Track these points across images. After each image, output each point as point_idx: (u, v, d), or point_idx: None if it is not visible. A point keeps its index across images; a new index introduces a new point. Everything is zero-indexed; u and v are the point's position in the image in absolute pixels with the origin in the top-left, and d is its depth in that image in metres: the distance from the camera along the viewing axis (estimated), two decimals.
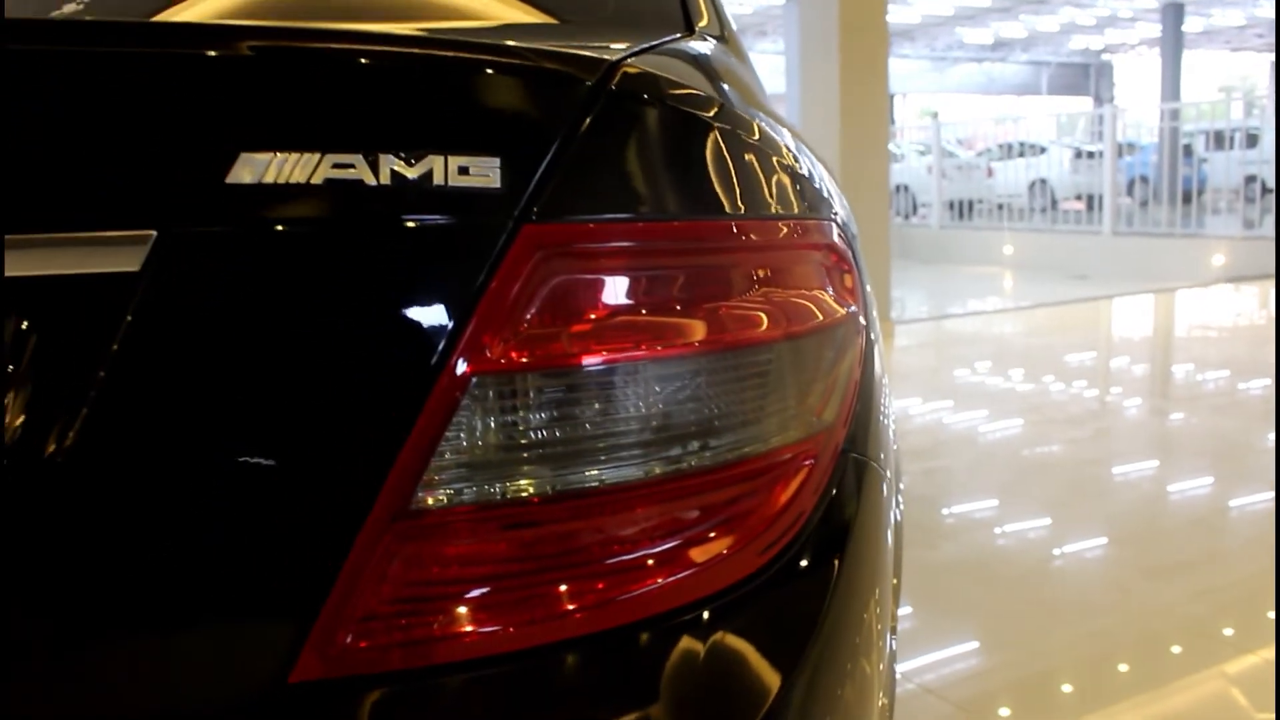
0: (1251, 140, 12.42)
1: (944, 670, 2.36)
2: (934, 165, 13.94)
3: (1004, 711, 2.21)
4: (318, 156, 0.61)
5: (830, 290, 0.79)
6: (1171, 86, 26.65)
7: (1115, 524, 3.35)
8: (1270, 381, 5.22)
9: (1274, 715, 2.07)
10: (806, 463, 0.76)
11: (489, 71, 0.68)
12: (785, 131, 0.89)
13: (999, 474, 3.95)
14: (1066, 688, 2.30)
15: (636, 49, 0.75)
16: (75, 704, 0.61)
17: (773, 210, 0.75)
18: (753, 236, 0.73)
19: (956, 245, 13.09)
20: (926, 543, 3.16)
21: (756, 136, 0.77)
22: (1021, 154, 15.64)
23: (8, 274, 0.59)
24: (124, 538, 0.61)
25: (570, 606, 0.66)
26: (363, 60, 0.66)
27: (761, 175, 0.75)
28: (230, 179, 0.60)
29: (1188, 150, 12.37)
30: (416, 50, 0.69)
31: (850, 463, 0.80)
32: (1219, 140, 12.99)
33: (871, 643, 0.80)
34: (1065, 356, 6.45)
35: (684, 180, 0.70)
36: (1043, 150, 16.01)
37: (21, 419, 0.60)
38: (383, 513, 0.63)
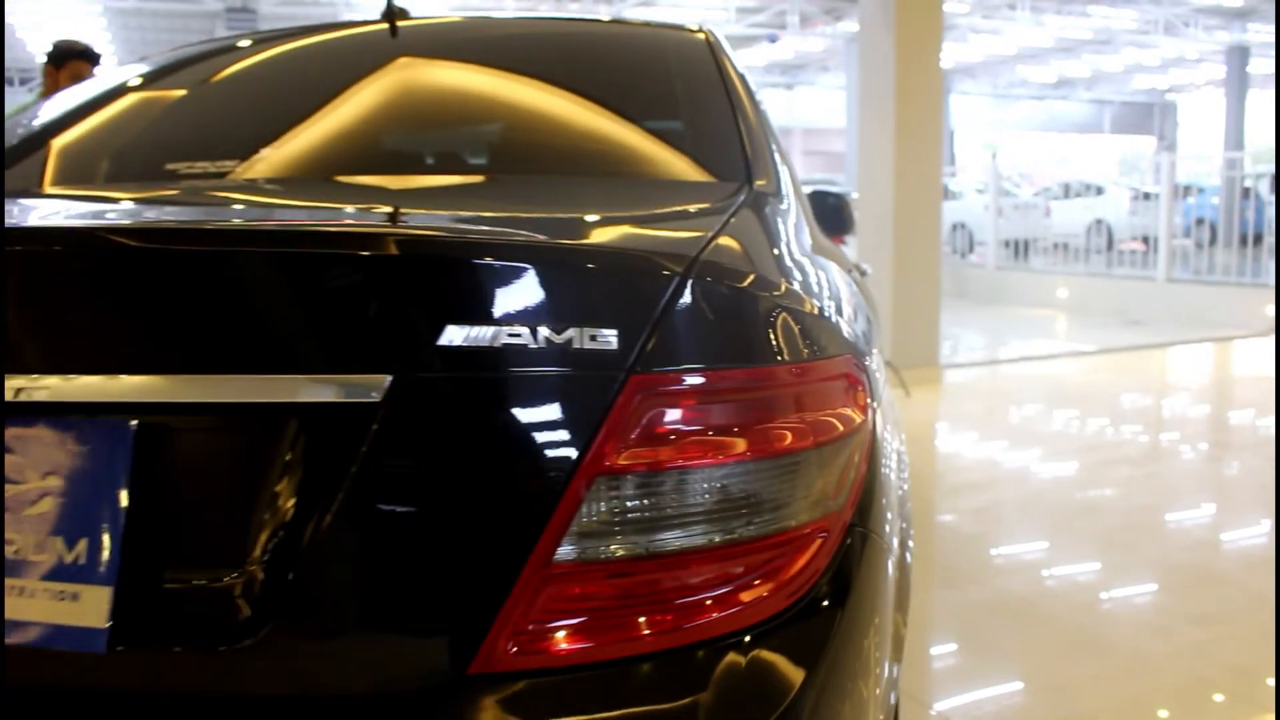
0: None
1: (985, 709, 2.47)
2: (990, 204, 13.98)
3: None
4: (495, 328, 0.92)
5: (846, 407, 1.07)
6: (1236, 128, 26.39)
7: (1164, 570, 3.43)
8: None
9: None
10: (822, 535, 1.04)
11: (608, 268, 1.00)
12: (826, 275, 1.23)
13: (1049, 516, 4.04)
14: None
15: (712, 233, 1.08)
16: (344, 674, 0.94)
17: (804, 355, 1.04)
18: (790, 375, 1.02)
19: (1012, 286, 13.09)
20: (973, 580, 3.27)
21: (798, 298, 1.08)
22: (1079, 194, 15.64)
23: (301, 400, 0.93)
24: (374, 577, 0.94)
25: (652, 631, 0.96)
26: (527, 263, 0.97)
27: (797, 330, 1.05)
28: (440, 342, 0.92)
29: (1247, 194, 12.29)
30: (560, 255, 1.01)
31: (855, 534, 1.09)
32: None
33: (869, 667, 1.08)
34: (1118, 401, 6.51)
35: (740, 338, 1.01)
36: (1100, 191, 16.00)
37: (300, 493, 0.94)
38: (535, 565, 0.94)
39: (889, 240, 6.84)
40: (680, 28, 2.07)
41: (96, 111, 1.91)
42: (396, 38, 2.00)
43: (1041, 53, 28.66)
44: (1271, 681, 2.58)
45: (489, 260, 0.96)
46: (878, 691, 1.10)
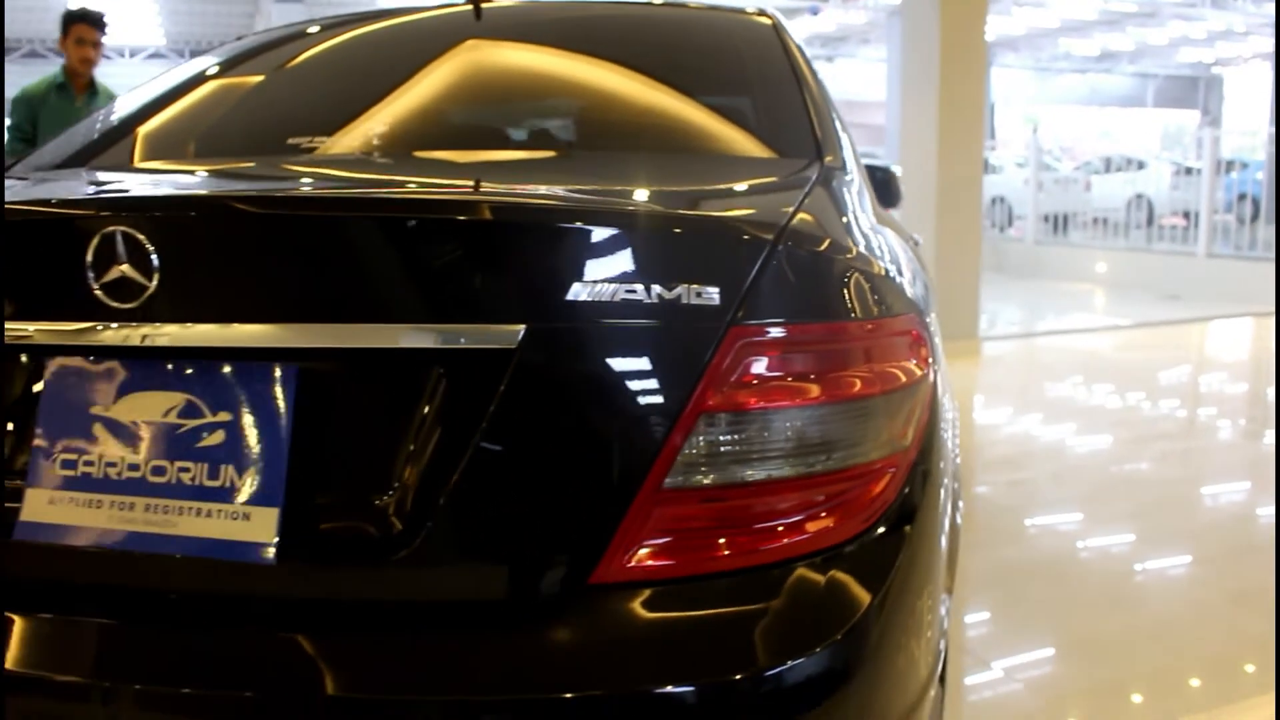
0: None
1: (1019, 674, 2.55)
2: (1030, 179, 13.95)
3: (1071, 719, 2.36)
4: (615, 285, 1.07)
5: (910, 360, 1.22)
6: None
7: (1199, 543, 3.49)
8: None
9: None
10: (891, 470, 1.19)
11: (712, 234, 1.15)
12: (889, 242, 1.36)
13: (1082, 487, 4.11)
14: (1136, 698, 2.45)
15: (795, 206, 1.21)
16: (484, 583, 1.10)
17: (875, 312, 1.18)
18: (863, 330, 1.16)
19: (1051, 260, 13.10)
20: (1007, 544, 3.36)
21: (867, 262, 1.22)
22: (1120, 168, 15.55)
23: (447, 346, 1.07)
24: (510, 500, 1.09)
25: (743, 550, 1.11)
26: (643, 228, 1.13)
27: (869, 289, 1.19)
28: (567, 297, 1.07)
29: None
30: (671, 222, 1.16)
31: (918, 471, 1.24)
32: None
33: (926, 583, 1.23)
34: (1155, 376, 6.57)
35: (821, 297, 1.16)
36: (1142, 165, 15.90)
37: (445, 426, 1.10)
38: (647, 492, 1.09)
39: (930, 213, 6.92)
40: (743, 10, 2.19)
41: (213, 89, 2.06)
42: (481, 20, 2.14)
43: (1085, 25, 28.33)
44: None
45: (611, 225, 1.11)
46: (934, 609, 1.26)
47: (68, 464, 1.19)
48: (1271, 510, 3.91)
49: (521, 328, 1.07)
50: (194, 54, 29.29)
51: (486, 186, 1.38)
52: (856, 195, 1.54)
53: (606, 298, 1.07)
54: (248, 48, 2.24)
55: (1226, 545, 3.50)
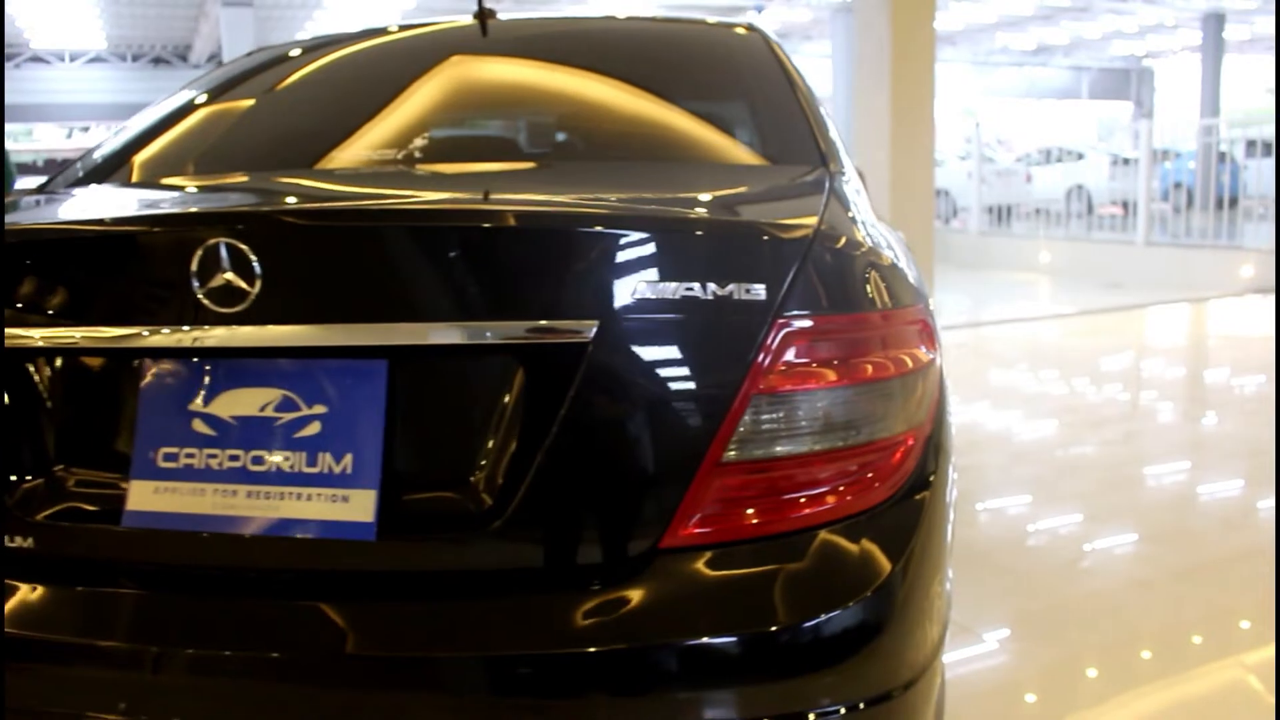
0: None
1: (977, 654, 2.64)
2: (974, 171, 14.29)
3: (1029, 698, 2.45)
4: (676, 283, 1.22)
5: (922, 345, 1.38)
6: (1211, 93, 26.69)
7: (1143, 522, 3.62)
8: None
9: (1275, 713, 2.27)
10: (910, 442, 1.35)
11: (757, 238, 1.30)
12: (897, 243, 1.52)
13: (1031, 472, 4.26)
14: (1090, 672, 2.55)
15: (821, 211, 1.36)
16: (566, 550, 1.25)
17: (892, 303, 1.33)
18: (883, 319, 1.32)
19: (995, 251, 13.42)
20: (959, 528, 3.48)
21: (883, 258, 1.38)
22: (1059, 159, 15.95)
23: (529, 340, 1.22)
24: (588, 475, 1.25)
25: (791, 515, 1.27)
26: (700, 232, 1.29)
27: (885, 283, 1.34)
28: (634, 295, 1.22)
29: (1223, 158, 12.60)
30: (724, 228, 1.32)
31: (931, 444, 1.40)
32: (1261, 148, 13.18)
33: (941, 539, 1.39)
34: (1098, 362, 6.81)
35: (849, 289, 1.31)
36: (1080, 156, 16.32)
37: (528, 411, 1.24)
38: (708, 465, 1.25)
39: (884, 207, 7.13)
40: (733, 25, 2.34)
41: (256, 102, 2.18)
42: (487, 36, 2.26)
43: (1021, 20, 28.87)
44: (1246, 624, 2.74)
45: (670, 231, 1.27)
46: (945, 567, 1.42)
47: (169, 457, 1.31)
48: (1210, 489, 4.08)
49: (595, 323, 1.22)
50: (135, 58, 28.71)
51: (557, 198, 1.51)
52: (859, 197, 1.69)
53: (668, 295, 1.22)
54: (270, 61, 2.34)
55: (1170, 524, 3.64)
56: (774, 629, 1.20)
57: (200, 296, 1.25)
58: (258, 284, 1.24)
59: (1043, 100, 37.63)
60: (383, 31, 2.38)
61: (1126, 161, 13.65)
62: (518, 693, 1.20)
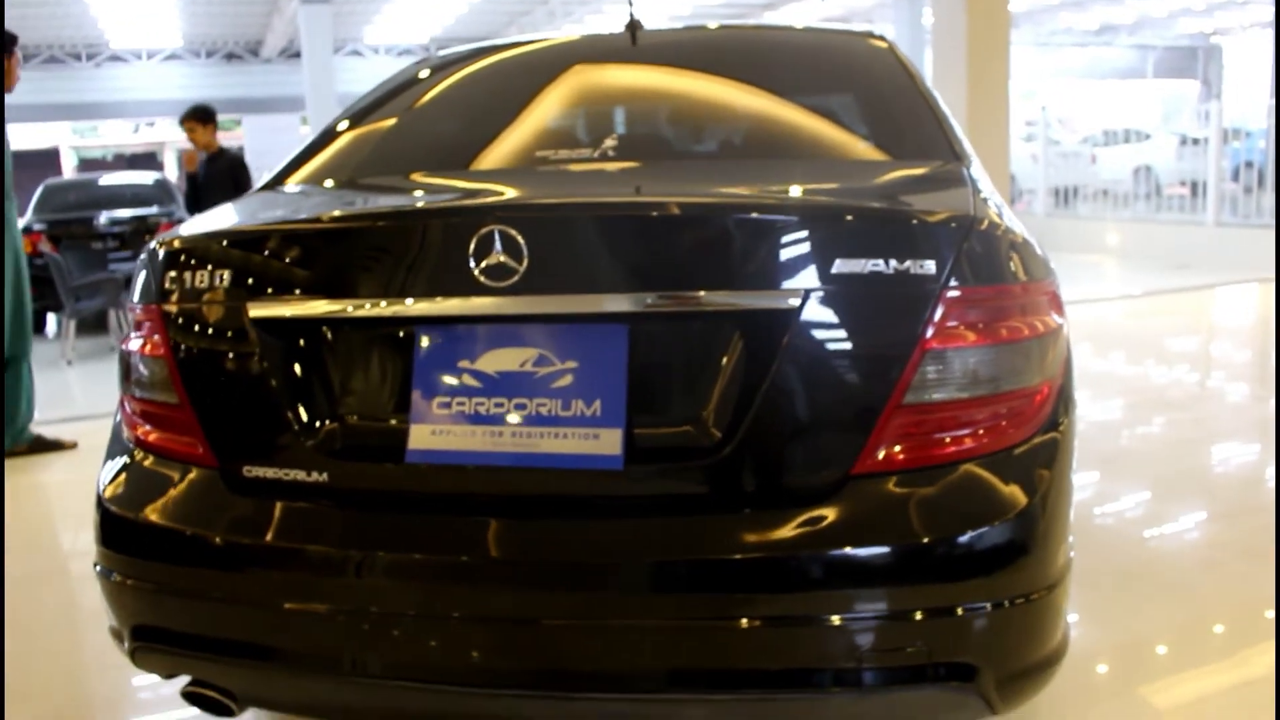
0: None
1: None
2: (1039, 154, 14.37)
3: (1101, 669, 2.51)
4: (864, 260, 1.52)
5: (1054, 311, 1.67)
6: None
7: (1212, 501, 3.68)
8: None
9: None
10: (1046, 390, 1.64)
11: (930, 221, 1.58)
12: (1023, 222, 1.80)
13: (1099, 451, 4.30)
14: (1161, 648, 2.63)
15: (972, 199, 1.65)
16: (777, 476, 1.56)
17: (1028, 278, 1.62)
18: (1023, 290, 1.61)
19: (1061, 233, 13.48)
20: None
21: (1022, 238, 1.66)
22: (1125, 140, 15.92)
23: (746, 308, 1.53)
24: (797, 415, 1.56)
25: (952, 447, 1.58)
26: (884, 218, 1.58)
27: (1024, 260, 1.63)
28: (832, 270, 1.52)
29: None
30: (903, 214, 1.62)
31: (1062, 393, 1.70)
32: None
33: (1068, 475, 1.68)
34: (1166, 343, 6.87)
35: (998, 264, 1.61)
36: (1146, 137, 16.27)
37: (747, 365, 1.55)
38: (891, 406, 1.56)
39: None
40: (863, 34, 2.62)
41: (473, 98, 2.55)
42: (637, 45, 2.57)
43: (1084, 0, 28.68)
44: None
45: (862, 217, 1.58)
46: (1071, 497, 1.71)
47: (443, 405, 1.64)
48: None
49: (800, 293, 1.53)
50: (209, 54, 29.24)
51: (760, 190, 1.81)
52: (989, 185, 1.97)
53: (859, 270, 1.53)
54: (448, 67, 2.67)
55: (1238, 503, 3.68)
56: (946, 538, 1.52)
57: (476, 274, 1.58)
58: (524, 263, 1.56)
59: (1106, 80, 37.19)
60: (544, 40, 2.70)
61: (1195, 141, 13.62)
62: (741, 589, 1.52)
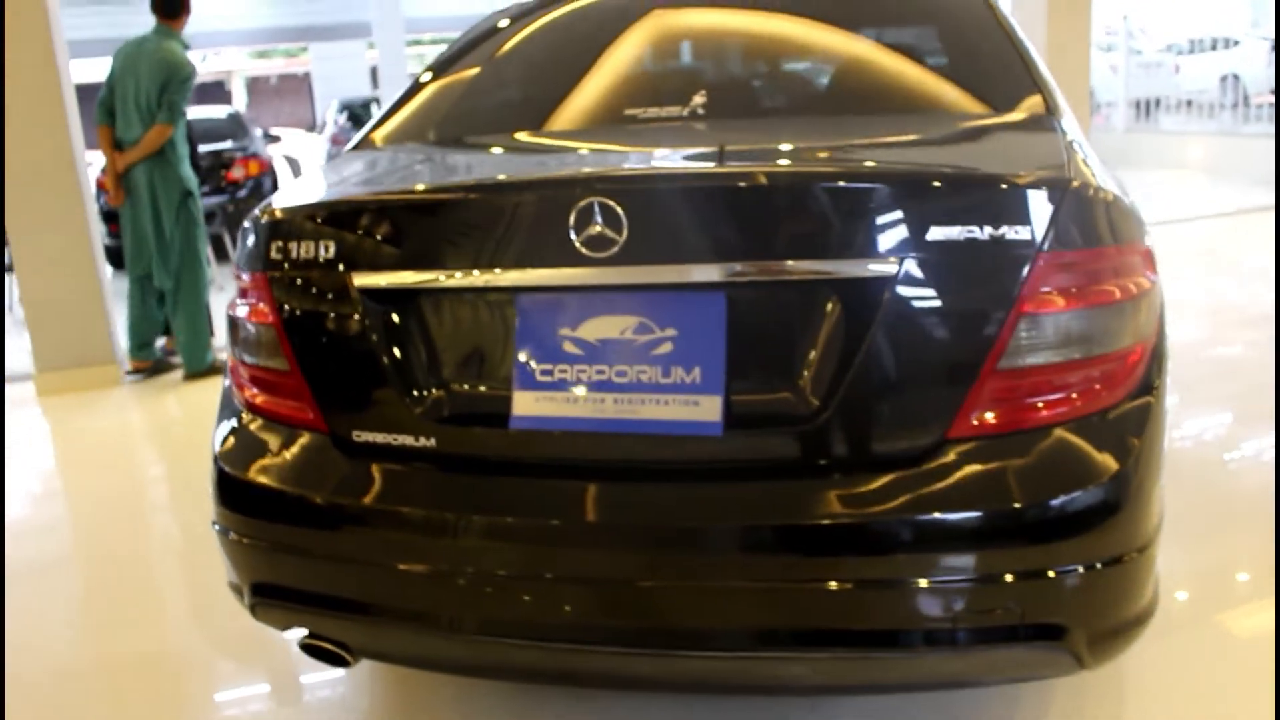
0: None
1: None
2: (1119, 65, 13.90)
3: (1180, 595, 2.52)
4: (960, 227, 1.51)
5: (1148, 271, 1.66)
6: None
7: None
8: None
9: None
10: (1140, 351, 1.64)
11: (1025, 186, 1.56)
12: (1118, 179, 1.77)
13: (1181, 374, 4.28)
14: (1242, 575, 2.63)
15: (1066, 161, 1.63)
16: (875, 441, 1.59)
17: (1122, 240, 1.61)
18: (1117, 252, 1.60)
19: (1142, 148, 13.09)
20: None
21: (1118, 200, 1.64)
22: (1213, 47, 15.34)
23: (847, 275, 1.54)
24: (894, 380, 1.57)
25: (1051, 410, 1.60)
26: (980, 184, 1.57)
27: (1117, 222, 1.61)
28: (928, 237, 1.52)
29: None
30: (998, 180, 1.59)
31: (1156, 354, 1.69)
32: None
33: (1161, 437, 1.67)
34: (1252, 261, 6.72)
35: (1094, 227, 1.60)
36: (1235, 43, 15.66)
37: (845, 332, 1.56)
38: (987, 370, 1.57)
39: None
40: None
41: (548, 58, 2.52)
42: None
43: None
44: None
45: (957, 184, 1.57)
46: (1163, 457, 1.71)
47: (546, 372, 1.68)
48: None
49: (897, 260, 1.53)
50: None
51: (857, 154, 1.81)
52: (1082, 137, 1.94)
53: (955, 236, 1.53)
54: (527, 20, 2.67)
55: None
56: (1042, 500, 1.54)
57: (577, 244, 1.60)
58: (624, 233, 1.58)
59: None
60: None
61: None
62: (838, 552, 1.56)
